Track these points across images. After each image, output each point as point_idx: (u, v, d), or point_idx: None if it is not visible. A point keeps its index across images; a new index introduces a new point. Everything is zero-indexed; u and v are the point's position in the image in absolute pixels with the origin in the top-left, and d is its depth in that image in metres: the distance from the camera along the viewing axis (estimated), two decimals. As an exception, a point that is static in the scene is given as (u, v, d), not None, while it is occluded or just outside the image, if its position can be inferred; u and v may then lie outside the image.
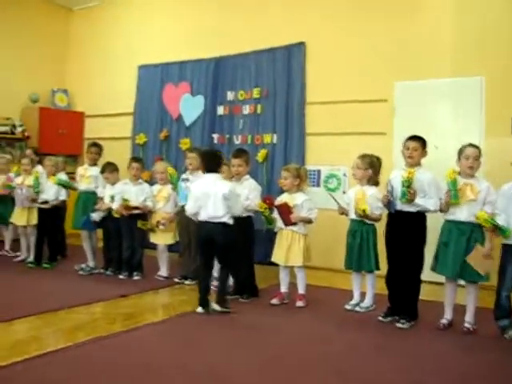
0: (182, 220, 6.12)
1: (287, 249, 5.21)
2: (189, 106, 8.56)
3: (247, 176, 5.54)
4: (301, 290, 5.28)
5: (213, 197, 4.79)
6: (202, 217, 4.87)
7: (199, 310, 4.85)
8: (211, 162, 4.96)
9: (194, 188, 4.99)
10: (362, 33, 7.10)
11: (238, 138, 8.00)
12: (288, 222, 5.15)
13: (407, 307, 4.66)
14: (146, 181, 6.83)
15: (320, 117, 7.35)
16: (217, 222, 4.80)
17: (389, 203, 4.68)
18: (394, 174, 4.82)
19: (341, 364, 3.65)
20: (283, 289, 5.38)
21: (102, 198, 6.47)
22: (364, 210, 4.82)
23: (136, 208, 6.16)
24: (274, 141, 7.68)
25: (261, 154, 7.69)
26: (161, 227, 6.18)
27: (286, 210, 5.13)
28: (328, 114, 7.28)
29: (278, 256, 5.28)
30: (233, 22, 8.16)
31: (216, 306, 4.85)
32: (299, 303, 5.21)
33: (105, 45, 9.74)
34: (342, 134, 7.11)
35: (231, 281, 5.64)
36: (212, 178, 4.91)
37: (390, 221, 4.79)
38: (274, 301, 5.27)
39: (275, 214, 5.28)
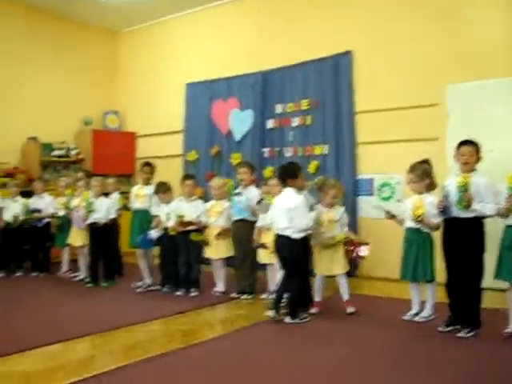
0: (236, 234, 6.16)
1: (329, 259, 5.26)
2: (238, 121, 8.62)
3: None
4: (346, 297, 5.32)
5: (281, 210, 5.06)
6: (275, 229, 5.14)
7: (269, 313, 5.00)
8: (285, 176, 5.16)
9: (275, 201, 5.25)
10: (410, 37, 7.04)
11: (289, 150, 8.01)
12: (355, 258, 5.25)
13: (469, 316, 4.55)
14: (199, 197, 6.89)
15: (371, 125, 7.30)
16: (282, 235, 5.03)
17: (445, 209, 4.60)
18: (449, 180, 4.74)
19: (400, 376, 3.57)
20: (318, 298, 5.42)
21: (157, 216, 6.56)
22: (420, 216, 4.74)
23: (190, 223, 6.22)
24: (325, 152, 7.65)
25: (312, 166, 7.67)
26: (218, 237, 6.25)
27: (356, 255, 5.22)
28: (379, 121, 7.23)
29: (320, 267, 5.32)
30: (278, 34, 8.21)
31: (288, 319, 4.95)
32: (350, 309, 5.24)
33: (152, 65, 9.93)
34: (394, 142, 7.05)
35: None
36: (287, 191, 5.12)
37: (446, 228, 4.70)
38: (314, 310, 5.33)
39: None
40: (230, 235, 6.27)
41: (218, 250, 6.30)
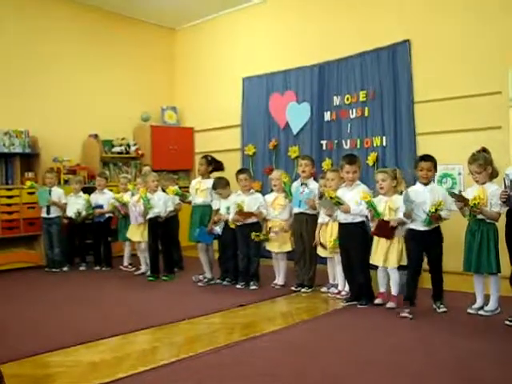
0: (296, 228, 6.19)
1: (386, 250, 5.26)
2: (295, 114, 8.62)
3: (358, 182, 5.58)
4: (394, 292, 5.31)
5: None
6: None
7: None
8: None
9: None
10: (469, 23, 6.88)
11: (347, 142, 7.96)
12: (389, 237, 5.24)
13: (536, 309, 4.46)
14: (257, 191, 6.95)
15: (430, 115, 7.18)
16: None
17: (508, 199, 4.52)
18: (511, 168, 4.66)
19: (469, 372, 3.51)
20: (382, 289, 5.45)
21: (217, 210, 6.64)
22: (475, 204, 4.68)
23: (251, 214, 6.28)
24: (384, 143, 7.57)
25: (371, 158, 7.61)
26: (271, 235, 6.27)
27: (385, 228, 5.21)
28: (438, 111, 7.10)
29: (376, 257, 5.34)
30: (334, 25, 8.16)
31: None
32: (390, 304, 5.24)
33: (208, 60, 10.03)
34: (454, 132, 6.92)
35: (347, 287, 5.70)
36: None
37: (510, 219, 4.61)
38: (378, 301, 5.37)
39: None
40: (289, 230, 6.30)
41: (279, 244, 6.34)
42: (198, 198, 6.89)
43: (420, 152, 7.17)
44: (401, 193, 5.27)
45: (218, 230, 6.56)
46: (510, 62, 6.46)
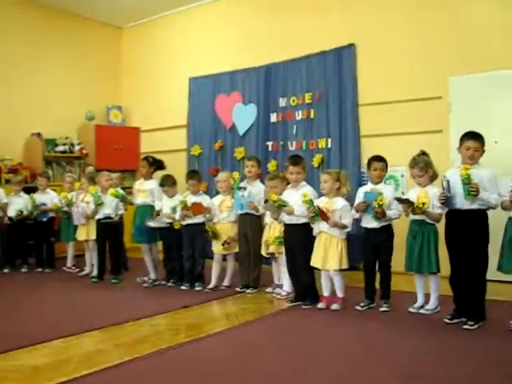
0: (240, 228, 6.20)
1: (324, 252, 5.26)
2: (241, 115, 8.65)
3: (304, 183, 5.60)
4: (338, 294, 5.34)
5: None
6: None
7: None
8: None
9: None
10: (413, 29, 7.06)
11: (293, 144, 8.03)
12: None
13: (474, 308, 4.57)
14: (204, 192, 6.95)
15: (374, 118, 7.32)
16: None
17: (446, 200, 4.63)
18: (451, 171, 4.77)
19: (410, 369, 3.58)
20: (325, 292, 5.43)
21: (159, 212, 6.61)
22: (423, 204, 4.80)
23: (200, 206, 6.21)
24: (329, 145, 7.67)
25: (316, 159, 7.70)
26: (225, 246, 6.27)
27: (323, 216, 5.24)
28: (382, 114, 7.25)
29: (316, 260, 5.32)
30: (280, 28, 8.24)
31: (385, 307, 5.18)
32: (334, 306, 5.26)
33: (155, 59, 9.97)
34: (398, 134, 7.08)
35: (291, 288, 5.75)
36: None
37: (449, 220, 4.73)
38: (320, 305, 5.34)
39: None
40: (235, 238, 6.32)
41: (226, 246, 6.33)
42: (139, 199, 6.83)
43: (364, 154, 7.32)
44: (343, 196, 5.35)
45: (151, 224, 6.50)
46: (450, 68, 6.66)
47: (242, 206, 6.11)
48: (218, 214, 6.36)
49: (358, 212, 5.25)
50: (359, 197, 5.34)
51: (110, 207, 6.85)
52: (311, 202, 5.17)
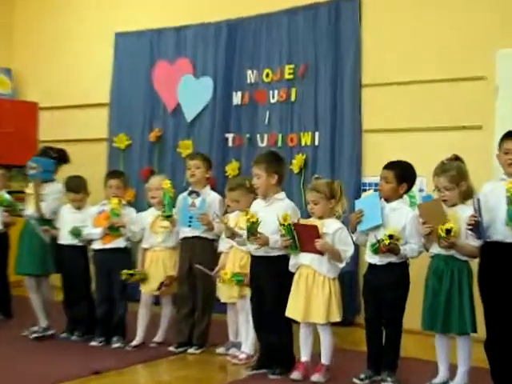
0: (184, 258, 6.17)
1: (307, 297, 5.18)
2: (191, 93, 8.60)
3: (281, 194, 5.53)
4: (323, 359, 5.27)
5: None
6: None
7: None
8: None
9: None
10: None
11: (264, 138, 8.01)
12: (309, 249, 5.16)
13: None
14: (129, 202, 6.88)
15: (384, 105, 7.30)
16: None
17: (476, 226, 4.59)
18: (489, 186, 4.79)
19: None
20: (304, 357, 5.35)
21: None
22: (449, 231, 4.73)
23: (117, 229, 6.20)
24: (316, 141, 7.66)
25: (297, 162, 7.67)
26: (163, 289, 6.23)
27: (311, 233, 5.15)
28: (396, 100, 7.23)
29: (292, 308, 5.27)
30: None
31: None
32: (315, 377, 5.19)
33: (64, 7, 9.89)
34: (416, 130, 7.10)
35: (254, 348, 5.78)
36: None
37: (485, 258, 4.73)
38: (295, 375, 5.26)
39: None
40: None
41: (157, 284, 6.26)
42: (30, 208, 6.67)
43: (367, 156, 7.31)
44: (338, 217, 5.30)
45: (46, 238, 6.46)
46: (499, 38, 6.65)
47: (190, 221, 6.04)
48: (150, 237, 6.32)
49: (352, 232, 5.26)
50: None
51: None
52: (290, 229, 5.10)
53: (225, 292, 5.95)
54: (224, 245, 5.99)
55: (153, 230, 6.32)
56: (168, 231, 6.27)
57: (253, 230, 5.19)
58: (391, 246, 4.91)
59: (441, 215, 4.79)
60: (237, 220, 5.76)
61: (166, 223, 6.24)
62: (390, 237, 4.89)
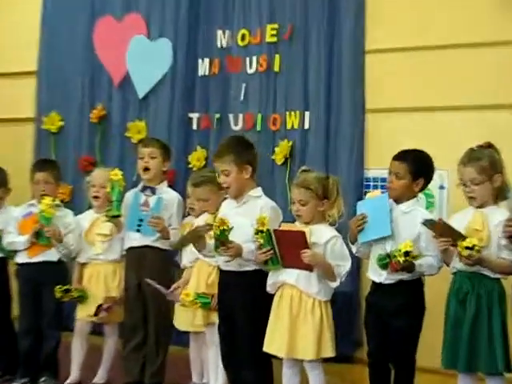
0: (130, 275, 6.16)
1: (290, 326, 5.11)
2: (143, 60, 8.60)
3: (257, 191, 5.51)
4: None
5: None
6: None
7: None
8: None
9: None
10: None
11: (238, 119, 8.04)
12: (294, 263, 5.11)
13: None
14: (63, 202, 6.85)
15: (393, 77, 7.32)
16: None
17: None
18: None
19: None
20: None
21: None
22: (472, 248, 4.73)
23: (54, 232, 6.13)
24: (306, 124, 7.68)
25: (280, 150, 7.68)
26: (102, 315, 6.20)
27: (296, 241, 5.11)
28: (408, 70, 7.25)
29: (272, 340, 5.21)
30: None
31: None
32: None
33: None
34: (436, 110, 7.13)
35: None
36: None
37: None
38: None
39: None
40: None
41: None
42: None
43: (371, 144, 7.32)
44: (332, 222, 5.27)
45: None
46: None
47: (139, 225, 6.04)
48: (88, 248, 6.32)
49: (352, 243, 5.22)
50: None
51: None
52: (269, 237, 5.08)
53: (186, 318, 5.93)
54: (187, 257, 6.00)
55: (88, 240, 6.33)
56: (108, 239, 6.28)
57: (223, 238, 5.09)
58: (406, 264, 4.90)
59: (453, 232, 4.80)
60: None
61: (107, 229, 6.23)
62: (406, 254, 4.81)
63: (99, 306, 6.11)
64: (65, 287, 6.11)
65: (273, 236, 5.01)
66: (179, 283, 5.99)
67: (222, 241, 5.10)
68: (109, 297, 6.15)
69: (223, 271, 5.44)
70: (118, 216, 6.02)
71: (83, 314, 6.28)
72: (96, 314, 6.12)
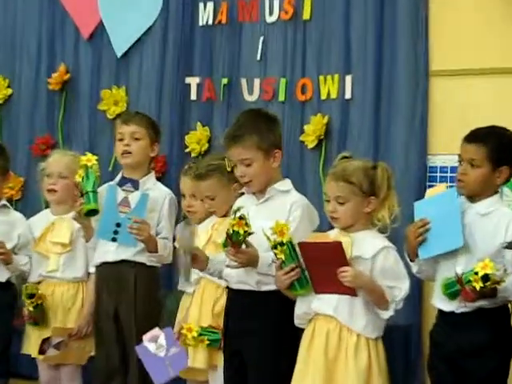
0: (103, 299, 6.21)
1: (326, 371, 5.07)
2: (123, 5, 8.61)
3: (285, 183, 5.55)
4: None
5: None
6: None
7: None
8: None
9: None
10: None
11: (254, 85, 8.02)
12: (329, 286, 5.10)
13: None
14: (11, 201, 6.88)
15: (467, 30, 7.30)
16: None
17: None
18: None
19: None
20: None
21: None
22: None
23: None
24: (347, 93, 7.67)
25: (311, 128, 7.65)
26: (50, 353, 6.27)
27: (331, 256, 5.09)
28: (488, 19, 7.24)
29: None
30: None
31: None
32: None
33: None
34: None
35: None
36: None
37: None
38: None
39: None
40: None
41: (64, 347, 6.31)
42: None
43: (437, 120, 7.29)
44: (383, 228, 5.24)
45: None
46: None
47: (115, 232, 6.04)
48: (40, 262, 6.41)
49: (411, 259, 5.19)
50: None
51: None
52: (291, 250, 5.01)
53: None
54: (183, 282, 6.03)
55: (40, 250, 6.36)
56: (67, 251, 6.30)
57: (235, 240, 5.03)
58: (485, 290, 4.86)
59: None
60: (211, 233, 5.73)
61: (66, 237, 6.26)
62: (485, 278, 4.79)
63: (45, 340, 6.12)
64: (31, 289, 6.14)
65: (297, 250, 4.92)
66: (180, 321, 5.99)
67: (234, 242, 5.04)
68: (61, 328, 6.18)
69: (234, 291, 5.43)
70: (96, 212, 5.95)
71: (33, 350, 6.34)
72: (42, 352, 6.13)
